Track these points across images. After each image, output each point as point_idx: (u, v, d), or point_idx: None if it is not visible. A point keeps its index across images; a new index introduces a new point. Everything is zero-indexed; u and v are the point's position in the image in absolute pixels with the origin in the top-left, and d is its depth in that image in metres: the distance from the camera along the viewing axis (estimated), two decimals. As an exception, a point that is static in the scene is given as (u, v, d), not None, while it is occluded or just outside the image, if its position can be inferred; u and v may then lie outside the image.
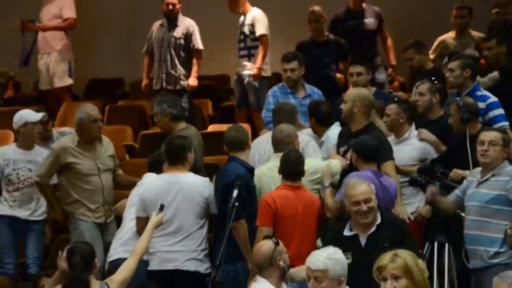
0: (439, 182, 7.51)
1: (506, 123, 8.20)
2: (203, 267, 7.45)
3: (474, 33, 10.19)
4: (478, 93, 8.30)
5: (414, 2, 12.56)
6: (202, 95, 12.13)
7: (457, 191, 7.38)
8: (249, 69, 10.60)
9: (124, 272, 6.43)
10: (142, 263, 6.91)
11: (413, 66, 9.57)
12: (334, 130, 8.37)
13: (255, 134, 9.42)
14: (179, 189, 7.46)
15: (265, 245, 6.51)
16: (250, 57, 10.57)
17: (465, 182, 7.37)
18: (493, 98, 8.27)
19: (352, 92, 8.10)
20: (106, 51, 13.59)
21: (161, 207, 6.79)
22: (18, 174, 8.73)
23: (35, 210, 8.73)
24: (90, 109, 8.55)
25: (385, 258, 5.07)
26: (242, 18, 10.70)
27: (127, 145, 10.88)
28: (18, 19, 11.76)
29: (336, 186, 7.68)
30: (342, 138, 8.05)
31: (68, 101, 11.84)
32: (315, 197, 7.53)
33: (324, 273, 5.63)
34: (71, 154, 8.34)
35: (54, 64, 11.67)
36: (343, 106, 8.00)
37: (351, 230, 6.84)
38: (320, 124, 8.46)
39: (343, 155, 7.87)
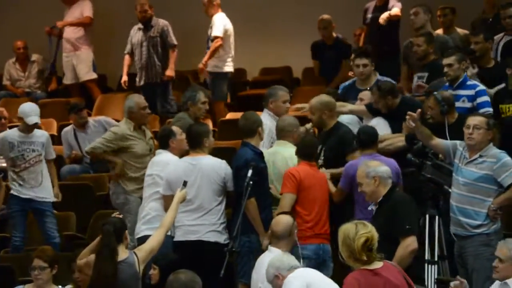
0: (430, 162, 7.64)
1: (490, 109, 8.34)
2: (222, 238, 7.60)
3: (460, 30, 10.31)
4: (469, 82, 8.43)
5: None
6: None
7: (448, 143, 7.52)
8: (210, 67, 10.91)
9: (151, 242, 6.58)
10: (167, 237, 7.05)
11: (417, 53, 9.46)
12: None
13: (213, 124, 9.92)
14: (199, 170, 7.62)
15: (285, 218, 6.83)
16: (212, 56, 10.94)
17: (452, 143, 7.49)
18: (481, 87, 8.41)
19: (315, 102, 8.15)
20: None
21: (184, 183, 7.03)
22: (23, 155, 8.83)
23: (41, 190, 8.81)
24: (137, 97, 8.86)
25: None
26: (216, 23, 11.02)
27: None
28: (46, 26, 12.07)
29: None
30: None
31: (97, 92, 12.18)
32: (324, 174, 7.78)
33: None
34: (129, 138, 8.55)
35: (79, 61, 12.05)
36: (311, 117, 8.19)
37: None
38: None
39: (319, 153, 8.00)
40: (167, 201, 7.56)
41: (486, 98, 8.40)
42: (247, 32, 13.26)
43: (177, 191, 6.99)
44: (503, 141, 8.00)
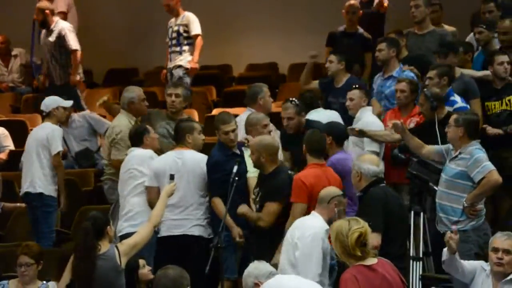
0: (416, 158, 7.66)
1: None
2: (206, 233, 7.67)
3: (447, 27, 10.33)
4: (451, 97, 8.33)
5: None
6: (206, 82, 12.42)
7: (441, 146, 7.53)
8: (179, 63, 10.77)
9: (136, 236, 6.57)
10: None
11: (378, 58, 9.21)
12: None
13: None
14: (183, 163, 7.71)
15: (332, 188, 6.90)
16: (182, 52, 10.75)
17: (446, 146, 7.49)
18: (459, 104, 8.29)
19: (255, 142, 7.49)
20: (123, 43, 13.80)
21: (172, 177, 7.05)
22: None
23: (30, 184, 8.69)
24: (138, 89, 8.86)
25: None
26: (173, 19, 10.86)
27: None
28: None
29: None
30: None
31: (83, 89, 12.08)
32: (335, 173, 7.52)
33: None
34: None
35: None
36: (251, 156, 7.50)
37: None
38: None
39: (256, 197, 7.52)
40: (151, 193, 7.64)
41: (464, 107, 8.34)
42: (233, 28, 13.31)
43: (166, 185, 7.02)
44: (489, 138, 8.08)
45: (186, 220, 7.65)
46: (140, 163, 7.86)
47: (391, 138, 8.07)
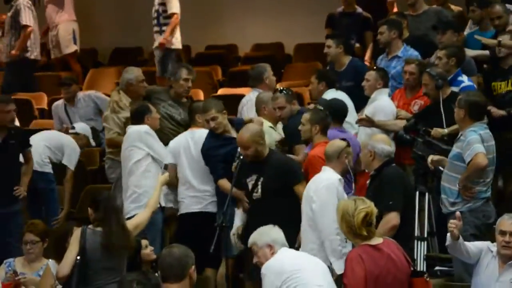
0: (421, 139, 7.70)
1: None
2: (216, 210, 7.81)
3: (453, 7, 10.30)
4: (459, 78, 8.34)
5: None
6: (212, 62, 12.41)
7: None
8: (156, 40, 10.77)
9: (138, 219, 6.70)
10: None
11: (380, 41, 9.25)
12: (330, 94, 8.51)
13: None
14: (194, 143, 7.87)
15: (338, 142, 6.98)
16: (161, 32, 10.73)
17: None
18: (466, 83, 8.30)
19: (246, 136, 7.22)
20: (127, 22, 13.78)
21: (165, 167, 7.15)
22: None
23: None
24: (137, 70, 8.83)
25: None
26: None
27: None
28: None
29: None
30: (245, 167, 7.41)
31: (76, 66, 12.13)
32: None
33: None
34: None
35: (59, 36, 11.94)
36: (246, 153, 7.27)
37: None
38: None
39: (252, 188, 7.32)
40: (170, 170, 7.82)
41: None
42: (239, 8, 13.27)
43: (160, 176, 7.10)
44: (494, 120, 8.07)
45: (202, 197, 7.81)
46: (138, 139, 7.85)
47: (398, 127, 8.08)
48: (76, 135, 9.27)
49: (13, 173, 8.13)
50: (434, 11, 9.68)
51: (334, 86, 8.64)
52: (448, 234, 6.34)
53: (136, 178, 7.83)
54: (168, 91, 8.74)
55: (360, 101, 8.50)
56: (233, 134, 7.78)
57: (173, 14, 10.70)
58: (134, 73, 8.72)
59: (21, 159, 8.28)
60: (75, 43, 12.04)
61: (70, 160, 8.84)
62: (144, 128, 7.89)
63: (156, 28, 10.78)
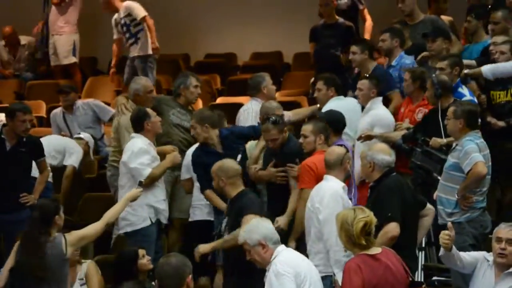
0: (420, 149, 7.69)
1: (472, 98, 8.24)
2: None
3: (444, 17, 10.31)
4: (460, 89, 8.29)
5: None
6: (211, 70, 12.43)
7: None
8: (137, 51, 10.65)
9: (87, 230, 6.48)
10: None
11: (382, 48, 9.23)
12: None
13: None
14: None
15: (338, 149, 7.01)
16: (137, 40, 10.64)
17: None
18: (468, 97, 8.21)
19: (215, 167, 7.11)
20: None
21: (140, 183, 6.98)
22: None
23: None
24: (145, 80, 8.80)
25: None
26: (116, 15, 10.77)
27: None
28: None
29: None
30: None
31: (77, 75, 12.12)
32: None
33: None
34: None
35: (59, 45, 11.95)
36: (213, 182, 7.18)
37: None
38: None
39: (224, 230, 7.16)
40: (185, 185, 8.14)
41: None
42: (238, 16, 13.28)
43: (132, 190, 6.94)
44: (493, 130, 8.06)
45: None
46: (128, 157, 7.79)
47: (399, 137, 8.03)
48: (79, 139, 9.24)
49: (21, 181, 8.03)
50: (430, 20, 9.68)
51: (342, 93, 8.63)
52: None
53: (123, 192, 7.74)
54: (175, 99, 8.70)
55: None
56: (219, 149, 7.84)
57: (143, 18, 10.64)
58: (142, 83, 8.68)
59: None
60: (74, 55, 12.04)
61: (73, 158, 8.82)
62: (137, 147, 7.80)
63: (130, 41, 10.65)
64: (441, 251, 6.28)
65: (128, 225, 7.76)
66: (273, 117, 7.59)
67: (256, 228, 6.07)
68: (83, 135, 9.49)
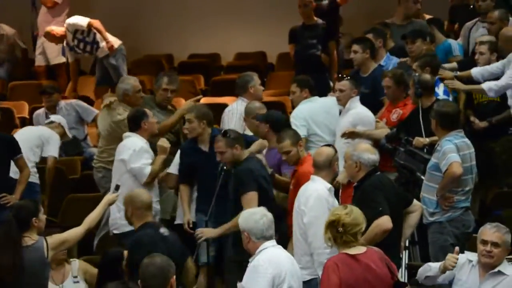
0: (403, 148, 7.72)
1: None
2: None
3: (427, 16, 10.33)
4: (436, 88, 8.28)
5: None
6: (195, 71, 12.42)
7: None
8: (104, 52, 10.73)
9: (68, 234, 6.42)
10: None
11: (355, 59, 8.99)
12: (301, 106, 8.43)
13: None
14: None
15: (326, 150, 6.99)
16: (99, 44, 10.73)
17: None
18: (441, 96, 8.20)
19: (127, 196, 6.88)
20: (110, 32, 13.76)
21: (117, 187, 6.88)
22: None
23: None
24: (133, 80, 8.72)
25: None
26: (65, 42, 10.94)
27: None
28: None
29: None
30: None
31: (63, 76, 12.07)
32: None
33: None
34: None
35: (48, 45, 11.86)
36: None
37: None
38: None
39: None
40: (169, 180, 8.01)
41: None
42: (222, 17, 13.29)
43: (108, 194, 6.85)
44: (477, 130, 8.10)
45: None
46: (129, 155, 7.80)
47: (383, 136, 8.04)
48: (50, 123, 9.15)
49: None
50: (420, 23, 9.72)
51: (316, 94, 8.62)
52: (435, 266, 6.27)
53: (123, 189, 7.56)
54: (154, 98, 8.71)
55: (372, 110, 8.32)
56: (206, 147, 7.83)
57: (89, 23, 10.68)
58: (130, 83, 8.62)
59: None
60: (63, 54, 11.97)
61: (51, 149, 8.69)
62: (133, 146, 7.82)
63: (94, 48, 10.71)
64: (433, 272, 6.22)
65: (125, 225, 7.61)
66: (229, 131, 7.47)
67: (246, 218, 6.09)
68: (53, 117, 9.33)
